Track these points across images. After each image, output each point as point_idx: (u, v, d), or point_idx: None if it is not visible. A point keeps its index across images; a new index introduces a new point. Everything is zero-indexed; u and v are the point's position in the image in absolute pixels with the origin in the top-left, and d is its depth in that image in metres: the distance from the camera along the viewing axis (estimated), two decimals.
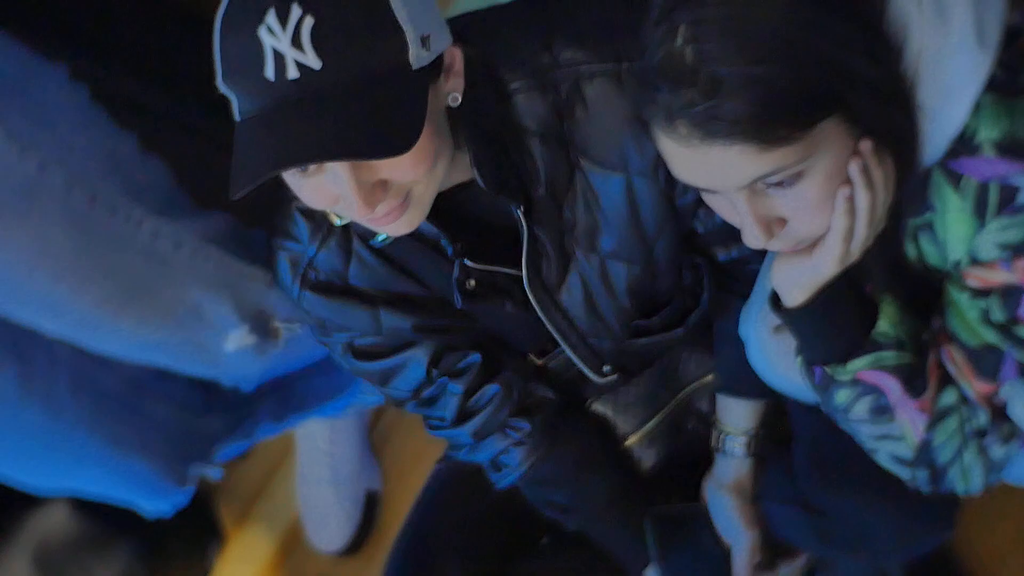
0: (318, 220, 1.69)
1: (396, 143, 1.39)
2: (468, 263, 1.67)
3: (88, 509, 2.37)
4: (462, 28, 1.53)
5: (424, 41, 1.42)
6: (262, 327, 1.98)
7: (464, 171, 1.59)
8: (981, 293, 1.45)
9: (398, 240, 1.68)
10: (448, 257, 1.68)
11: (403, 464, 2.56)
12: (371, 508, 2.54)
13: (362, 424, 2.54)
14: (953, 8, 1.36)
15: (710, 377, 1.94)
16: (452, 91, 1.50)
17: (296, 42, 1.35)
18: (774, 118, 1.31)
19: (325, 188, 1.45)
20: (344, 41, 1.37)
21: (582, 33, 1.63)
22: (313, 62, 1.36)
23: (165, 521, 2.34)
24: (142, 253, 1.85)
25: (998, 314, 1.44)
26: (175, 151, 2.03)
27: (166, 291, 1.87)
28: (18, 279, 1.71)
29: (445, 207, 1.59)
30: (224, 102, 1.44)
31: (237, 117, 1.42)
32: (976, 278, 1.44)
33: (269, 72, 1.36)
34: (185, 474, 2.05)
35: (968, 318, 1.47)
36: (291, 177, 1.45)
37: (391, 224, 1.50)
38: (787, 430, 1.87)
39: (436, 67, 1.46)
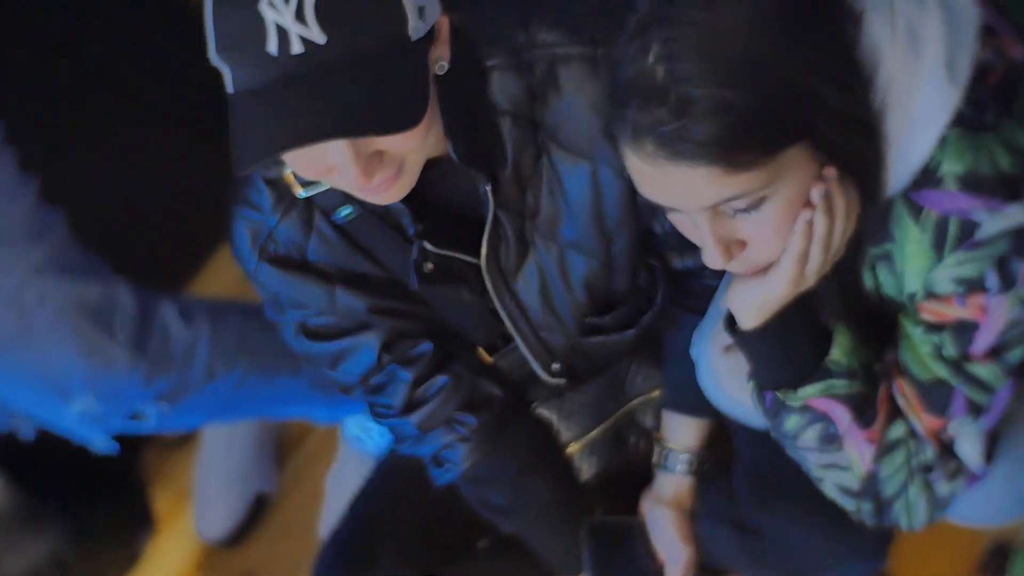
0: (281, 191, 1.67)
1: (406, 118, 1.39)
2: (428, 246, 1.66)
3: (22, 483, 2.36)
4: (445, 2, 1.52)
5: (421, 12, 1.42)
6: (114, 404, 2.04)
7: (437, 144, 1.58)
8: (935, 328, 1.45)
9: (359, 218, 1.67)
10: (408, 238, 1.67)
11: (299, 470, 2.63)
12: (258, 508, 2.58)
13: (266, 428, 2.58)
14: (926, 42, 1.36)
15: (656, 393, 1.94)
16: (440, 59, 1.49)
17: (300, 16, 1.34)
18: (741, 143, 1.30)
19: (320, 158, 1.43)
20: (347, 14, 1.36)
21: (560, 15, 1.62)
22: (318, 37, 1.35)
23: (98, 504, 2.33)
24: (4, 302, 1.93)
25: (950, 350, 1.45)
26: (78, 203, 2.07)
27: (19, 342, 1.95)
28: None
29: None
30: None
31: (231, 89, 1.41)
32: (931, 312, 1.45)
33: (272, 47, 1.35)
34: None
35: (921, 352, 1.47)
36: None
37: (383, 193, 1.49)
38: (730, 452, 1.87)
39: (428, 36, 1.45)
